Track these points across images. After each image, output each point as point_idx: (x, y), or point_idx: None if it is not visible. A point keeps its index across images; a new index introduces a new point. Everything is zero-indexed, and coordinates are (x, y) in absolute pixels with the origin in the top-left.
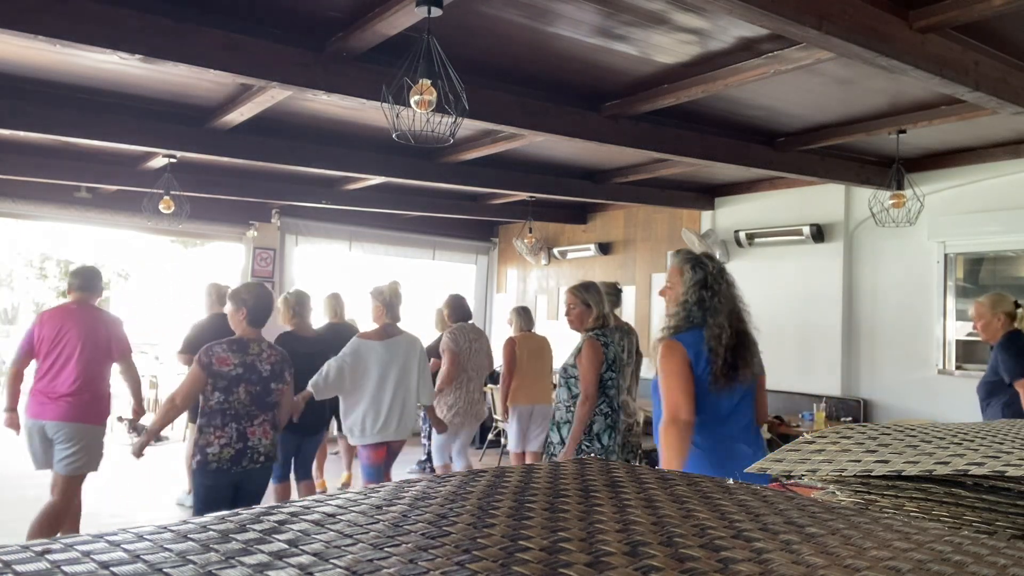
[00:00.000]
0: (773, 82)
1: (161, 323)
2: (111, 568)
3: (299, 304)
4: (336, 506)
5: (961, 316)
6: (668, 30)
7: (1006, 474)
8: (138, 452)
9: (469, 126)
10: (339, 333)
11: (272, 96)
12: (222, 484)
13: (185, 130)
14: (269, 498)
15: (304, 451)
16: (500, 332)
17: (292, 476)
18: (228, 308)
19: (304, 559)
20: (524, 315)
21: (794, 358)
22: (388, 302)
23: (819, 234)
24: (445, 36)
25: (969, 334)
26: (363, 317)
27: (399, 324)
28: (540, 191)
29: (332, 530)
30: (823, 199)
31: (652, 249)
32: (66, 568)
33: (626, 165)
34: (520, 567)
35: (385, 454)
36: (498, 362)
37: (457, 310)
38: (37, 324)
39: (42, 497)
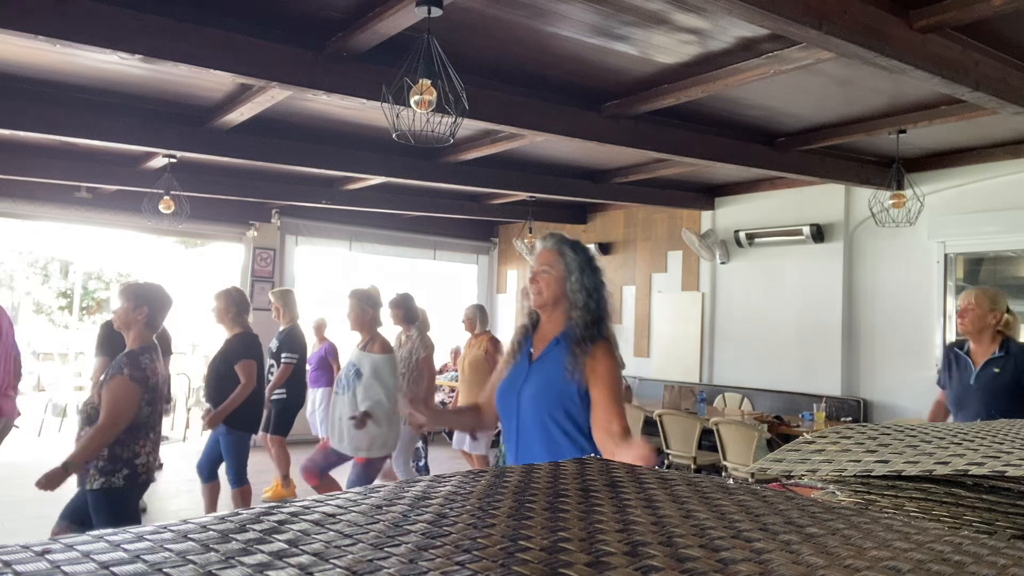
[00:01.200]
0: (773, 82)
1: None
2: (111, 568)
3: (246, 303)
4: (336, 506)
5: None
6: (668, 30)
7: (1006, 474)
8: (51, 485)
9: (469, 126)
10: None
11: (272, 96)
12: (139, 497)
13: (185, 130)
14: (225, 505)
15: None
16: (501, 333)
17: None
18: (122, 305)
19: (304, 559)
20: (485, 314)
21: (794, 358)
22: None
23: (819, 234)
24: (445, 36)
25: None
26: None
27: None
28: (540, 191)
29: (332, 530)
30: (823, 199)
31: (652, 249)
32: (66, 568)
33: (626, 165)
34: (520, 567)
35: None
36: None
37: (413, 312)
38: None
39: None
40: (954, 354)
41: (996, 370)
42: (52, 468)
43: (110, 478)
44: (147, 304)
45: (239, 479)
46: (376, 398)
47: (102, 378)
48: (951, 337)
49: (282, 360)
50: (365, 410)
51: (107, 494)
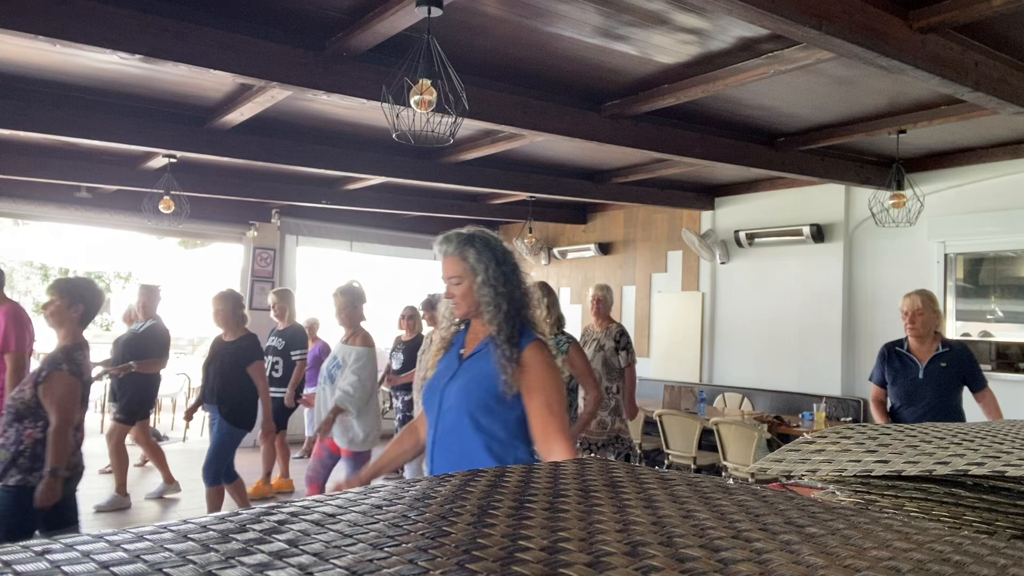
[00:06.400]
0: (773, 82)
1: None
2: (111, 568)
3: (243, 304)
4: (336, 506)
5: (961, 316)
6: (668, 30)
7: (1006, 474)
8: (53, 498)
9: (469, 126)
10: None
11: (272, 96)
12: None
13: (185, 130)
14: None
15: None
16: None
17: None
18: (56, 301)
19: (304, 559)
20: None
21: (794, 358)
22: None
23: (819, 234)
24: (445, 36)
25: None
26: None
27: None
28: (540, 191)
29: (332, 530)
30: (823, 199)
31: (652, 249)
32: (66, 568)
33: (626, 165)
34: (520, 567)
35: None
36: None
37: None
38: None
39: None
40: (895, 353)
41: (943, 364)
42: (43, 483)
43: (27, 476)
44: (82, 302)
45: (230, 474)
46: (347, 390)
47: (39, 375)
48: (951, 337)
49: (293, 358)
50: (334, 406)
51: (21, 492)
